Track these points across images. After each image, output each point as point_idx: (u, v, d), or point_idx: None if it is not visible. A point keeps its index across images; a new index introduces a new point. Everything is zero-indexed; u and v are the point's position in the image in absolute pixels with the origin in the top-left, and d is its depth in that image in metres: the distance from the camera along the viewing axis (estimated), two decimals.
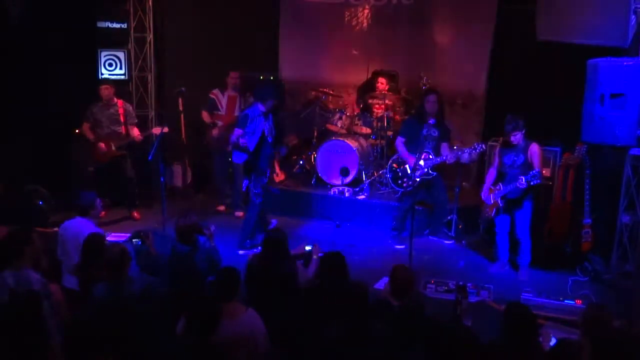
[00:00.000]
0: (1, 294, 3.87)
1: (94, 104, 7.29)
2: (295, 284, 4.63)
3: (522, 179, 5.67)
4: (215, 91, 7.66)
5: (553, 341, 4.09)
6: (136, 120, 7.57)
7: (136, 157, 7.57)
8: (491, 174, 6.16)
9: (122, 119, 7.34)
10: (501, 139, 6.13)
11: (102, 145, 7.22)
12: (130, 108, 7.56)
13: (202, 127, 7.83)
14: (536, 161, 5.80)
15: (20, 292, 3.71)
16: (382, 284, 5.33)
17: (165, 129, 7.04)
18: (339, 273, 4.36)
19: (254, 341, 3.75)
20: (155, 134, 6.96)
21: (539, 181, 5.65)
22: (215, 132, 7.60)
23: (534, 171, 5.64)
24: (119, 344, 3.44)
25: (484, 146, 6.47)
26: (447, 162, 6.52)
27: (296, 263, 4.81)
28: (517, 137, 5.82)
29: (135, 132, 7.39)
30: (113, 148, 7.26)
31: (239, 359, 3.69)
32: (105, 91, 7.24)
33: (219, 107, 7.61)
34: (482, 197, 6.18)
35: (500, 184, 6.00)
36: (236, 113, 7.55)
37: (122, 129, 7.35)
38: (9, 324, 3.43)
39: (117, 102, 7.34)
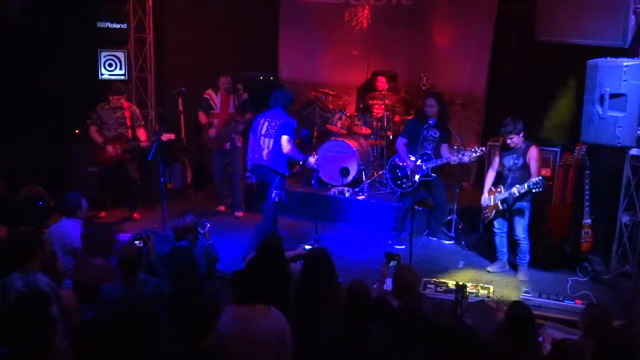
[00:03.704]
0: (10, 296, 3.84)
1: (100, 105, 7.27)
2: (290, 286, 4.62)
3: (523, 185, 5.70)
4: (209, 91, 7.65)
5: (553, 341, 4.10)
6: (143, 122, 7.57)
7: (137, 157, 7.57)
8: (490, 176, 6.16)
9: (128, 122, 7.33)
10: (502, 139, 6.13)
11: (109, 148, 7.22)
12: (137, 110, 7.54)
13: (201, 127, 7.83)
14: (534, 165, 5.80)
15: (28, 293, 3.69)
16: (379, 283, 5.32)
17: (172, 136, 7.08)
18: (324, 269, 4.32)
19: (284, 336, 3.78)
20: (163, 140, 6.92)
21: (540, 189, 5.64)
22: (212, 132, 7.59)
23: (537, 179, 5.64)
24: (133, 346, 3.43)
25: (484, 149, 6.49)
26: (451, 163, 6.53)
27: (290, 266, 4.81)
28: (514, 140, 5.82)
29: (143, 135, 7.38)
30: (119, 151, 7.26)
31: (275, 357, 3.72)
32: (117, 102, 7.23)
33: (214, 105, 7.62)
34: (482, 200, 6.17)
35: (501, 186, 6.00)
36: (230, 110, 7.57)
37: (129, 132, 7.35)
38: (17, 324, 3.41)
39: (123, 105, 7.33)
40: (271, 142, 6.18)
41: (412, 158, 6.63)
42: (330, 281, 4.31)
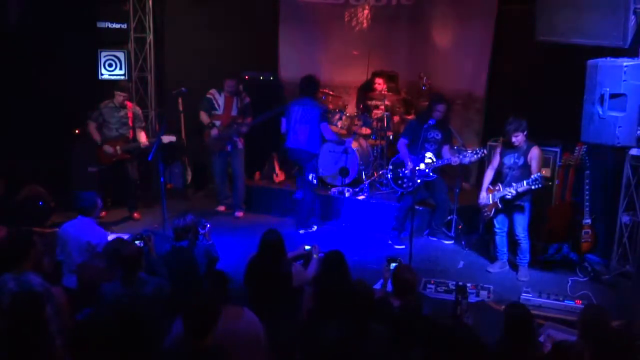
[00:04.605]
0: (3, 297, 3.84)
1: (103, 103, 7.26)
2: (290, 284, 4.63)
3: (522, 183, 5.70)
4: (212, 91, 7.59)
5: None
6: (144, 124, 7.56)
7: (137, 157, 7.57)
8: (489, 175, 6.16)
9: (130, 122, 7.33)
10: (502, 138, 6.14)
11: (108, 147, 7.22)
12: (139, 111, 7.53)
13: (201, 127, 7.82)
14: (535, 165, 5.80)
15: (23, 294, 3.69)
16: (381, 284, 5.32)
17: (173, 138, 7.07)
18: (339, 271, 4.37)
19: (258, 339, 3.77)
20: (164, 142, 6.93)
21: (540, 185, 5.65)
22: (214, 132, 7.57)
23: (536, 175, 5.65)
24: (132, 346, 3.43)
25: (485, 151, 6.50)
26: (452, 164, 6.54)
27: (291, 264, 4.82)
28: (518, 138, 5.82)
29: (143, 137, 7.37)
30: (119, 151, 7.25)
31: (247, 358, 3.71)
32: (120, 98, 7.23)
33: (216, 106, 7.57)
34: (480, 198, 6.16)
35: (500, 185, 6.00)
36: (233, 113, 7.55)
37: (130, 133, 7.34)
38: (11, 325, 3.41)
39: (126, 105, 7.33)
40: (307, 129, 7.04)
41: (413, 159, 6.65)
42: (350, 282, 4.32)
